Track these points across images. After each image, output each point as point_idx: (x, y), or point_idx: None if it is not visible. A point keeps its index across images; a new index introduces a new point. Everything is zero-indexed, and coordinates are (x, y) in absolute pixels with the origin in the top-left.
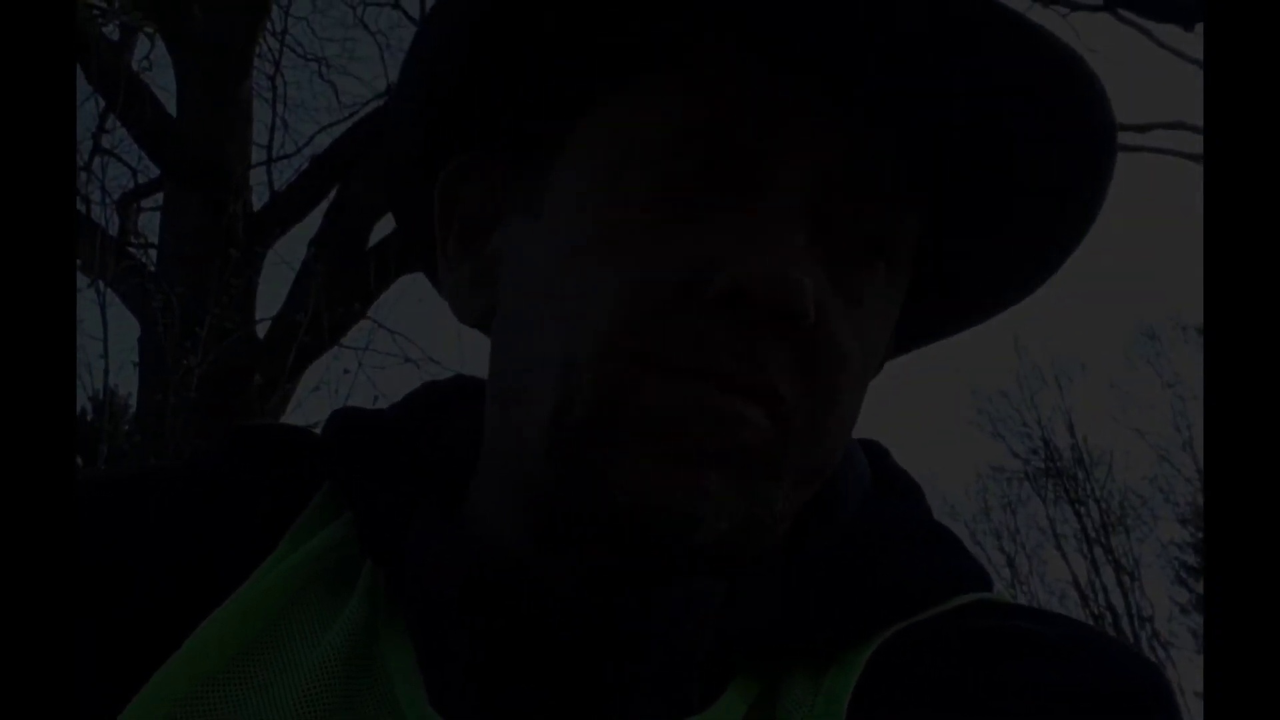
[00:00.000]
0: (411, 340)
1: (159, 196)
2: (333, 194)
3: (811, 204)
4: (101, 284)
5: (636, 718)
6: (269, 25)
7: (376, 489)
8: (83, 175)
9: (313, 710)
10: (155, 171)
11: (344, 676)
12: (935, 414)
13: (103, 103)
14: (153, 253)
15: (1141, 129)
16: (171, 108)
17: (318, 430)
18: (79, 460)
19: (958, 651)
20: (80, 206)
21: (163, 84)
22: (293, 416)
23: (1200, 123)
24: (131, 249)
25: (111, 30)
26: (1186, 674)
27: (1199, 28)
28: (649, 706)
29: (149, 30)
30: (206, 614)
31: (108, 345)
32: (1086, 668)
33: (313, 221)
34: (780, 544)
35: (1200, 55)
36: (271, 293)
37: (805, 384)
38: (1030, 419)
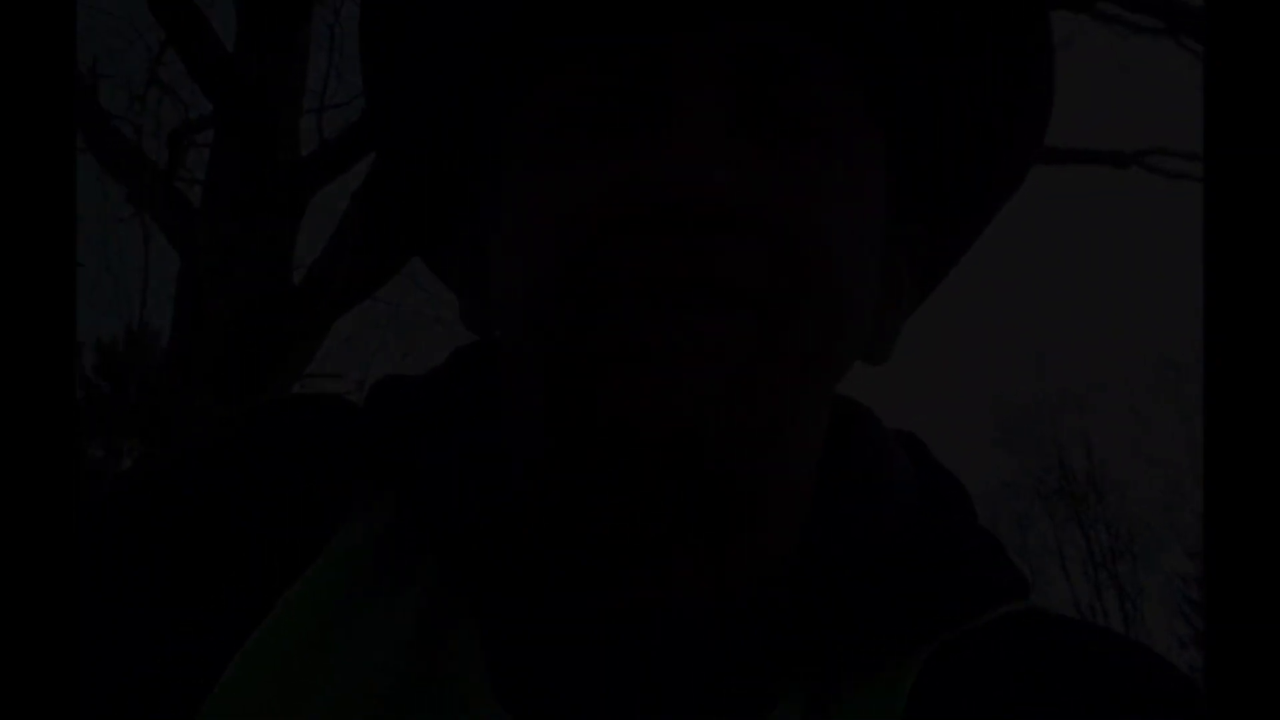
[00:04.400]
0: (444, 300)
1: (209, 134)
2: None
3: (732, 95)
4: (147, 216)
5: (699, 708)
6: None
7: (428, 472)
8: (136, 105)
9: (378, 713)
10: (208, 109)
11: (408, 676)
12: (950, 424)
13: (163, 34)
14: (199, 189)
15: (1190, 157)
16: (229, 46)
17: (344, 386)
18: (107, 388)
19: (1012, 662)
20: (132, 136)
21: (222, 21)
22: (320, 364)
23: None
24: (179, 184)
25: None
26: None
27: None
28: (710, 697)
29: None
30: (261, 608)
31: (148, 278)
32: (1133, 684)
33: (358, 173)
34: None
35: None
36: (311, 240)
37: (776, 267)
38: (1048, 438)
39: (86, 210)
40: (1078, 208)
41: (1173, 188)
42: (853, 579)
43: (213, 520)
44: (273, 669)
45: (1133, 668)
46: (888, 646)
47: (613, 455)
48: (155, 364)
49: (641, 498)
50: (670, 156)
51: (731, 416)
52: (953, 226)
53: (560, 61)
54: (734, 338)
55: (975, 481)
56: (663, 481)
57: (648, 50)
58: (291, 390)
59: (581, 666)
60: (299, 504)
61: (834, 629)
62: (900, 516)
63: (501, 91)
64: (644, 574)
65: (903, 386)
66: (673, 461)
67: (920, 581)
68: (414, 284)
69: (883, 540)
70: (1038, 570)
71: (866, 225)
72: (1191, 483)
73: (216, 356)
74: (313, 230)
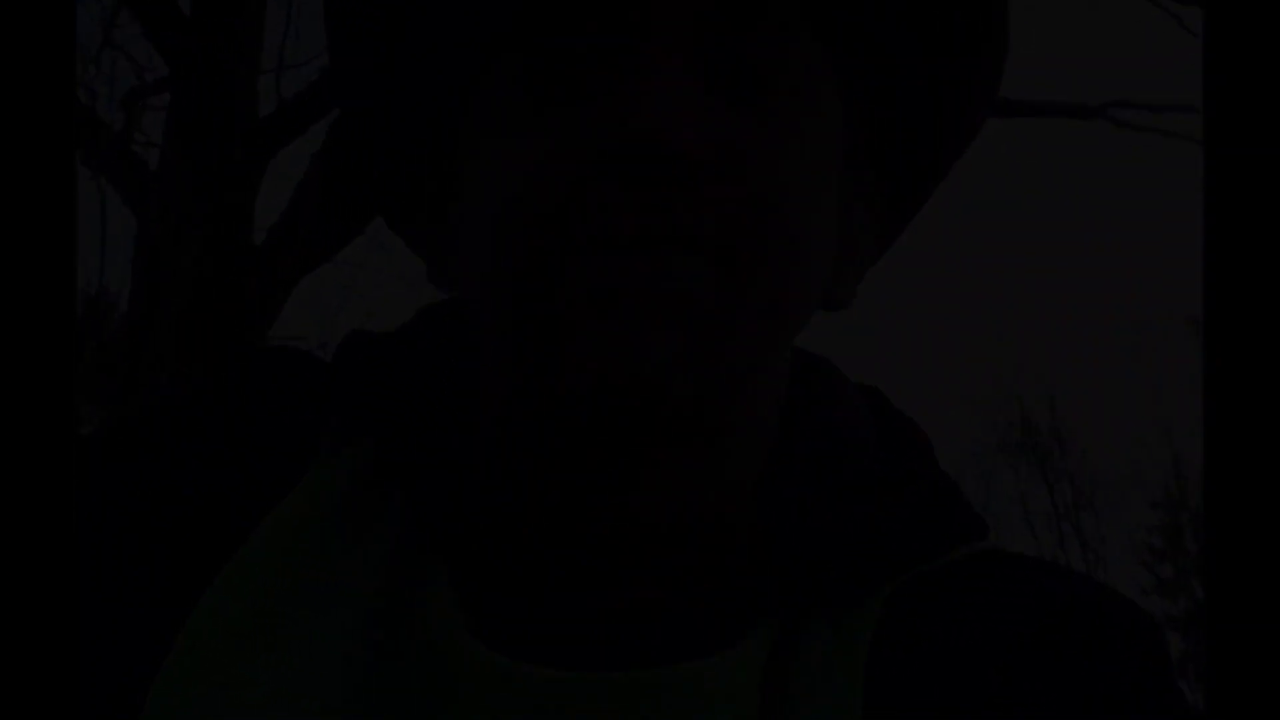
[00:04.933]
0: (407, 260)
1: (165, 96)
2: None
3: (696, 47)
4: (103, 180)
5: (668, 638)
6: None
7: (398, 417)
8: (90, 69)
9: (355, 666)
10: (164, 70)
11: (382, 623)
12: (913, 377)
13: None
14: (155, 152)
15: (1155, 109)
16: (185, 6)
17: (306, 348)
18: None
19: (973, 599)
20: (86, 100)
21: None
22: (282, 326)
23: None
24: (135, 147)
25: None
26: None
27: None
28: (679, 627)
29: None
30: (224, 560)
31: (105, 242)
32: (1092, 619)
33: (317, 133)
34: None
35: None
36: (271, 202)
37: (739, 215)
38: (1011, 393)
39: None
40: (1043, 164)
41: (1136, 142)
42: (815, 517)
43: (190, 480)
44: (225, 629)
45: (1091, 603)
46: (851, 581)
47: (579, 405)
48: (113, 328)
49: (603, 443)
50: (637, 109)
51: (695, 364)
52: (910, 176)
53: (526, 22)
54: (697, 287)
55: (938, 436)
56: (627, 427)
57: (611, 5)
58: None
59: (545, 591)
60: (269, 460)
61: (798, 565)
62: (862, 458)
63: (466, 51)
64: (606, 520)
65: (867, 346)
66: (637, 409)
67: (882, 519)
68: (376, 245)
69: (845, 480)
70: (1000, 524)
71: (826, 176)
72: (1155, 436)
73: (176, 319)
74: (272, 192)
